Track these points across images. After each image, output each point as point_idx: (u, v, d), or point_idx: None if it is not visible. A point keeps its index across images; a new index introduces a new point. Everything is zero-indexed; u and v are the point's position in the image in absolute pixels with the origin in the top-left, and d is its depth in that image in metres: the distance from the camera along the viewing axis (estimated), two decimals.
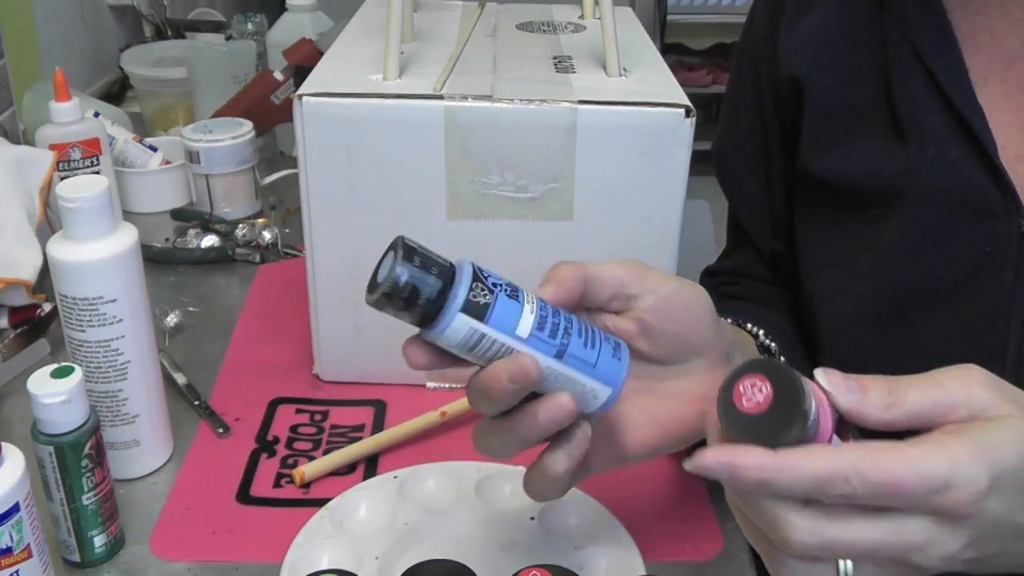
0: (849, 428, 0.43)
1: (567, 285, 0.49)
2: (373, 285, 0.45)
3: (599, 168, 0.70)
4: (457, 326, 0.45)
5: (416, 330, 0.47)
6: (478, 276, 0.46)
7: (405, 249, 0.44)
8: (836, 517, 0.41)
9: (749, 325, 0.64)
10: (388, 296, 0.44)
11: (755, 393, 0.40)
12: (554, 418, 0.47)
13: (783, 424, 0.39)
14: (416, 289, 0.44)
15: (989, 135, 0.58)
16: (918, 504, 0.40)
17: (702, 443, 0.45)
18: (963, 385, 0.42)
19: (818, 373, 0.43)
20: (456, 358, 0.48)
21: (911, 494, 0.39)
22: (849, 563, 0.42)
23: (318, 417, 0.77)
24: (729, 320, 0.60)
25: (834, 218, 0.67)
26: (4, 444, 0.53)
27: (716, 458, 0.40)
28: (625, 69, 0.76)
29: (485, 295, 0.45)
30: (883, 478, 0.39)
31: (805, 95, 0.67)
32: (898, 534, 0.41)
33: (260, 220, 1.09)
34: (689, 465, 0.41)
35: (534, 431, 0.47)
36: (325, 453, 0.72)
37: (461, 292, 0.45)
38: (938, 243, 0.60)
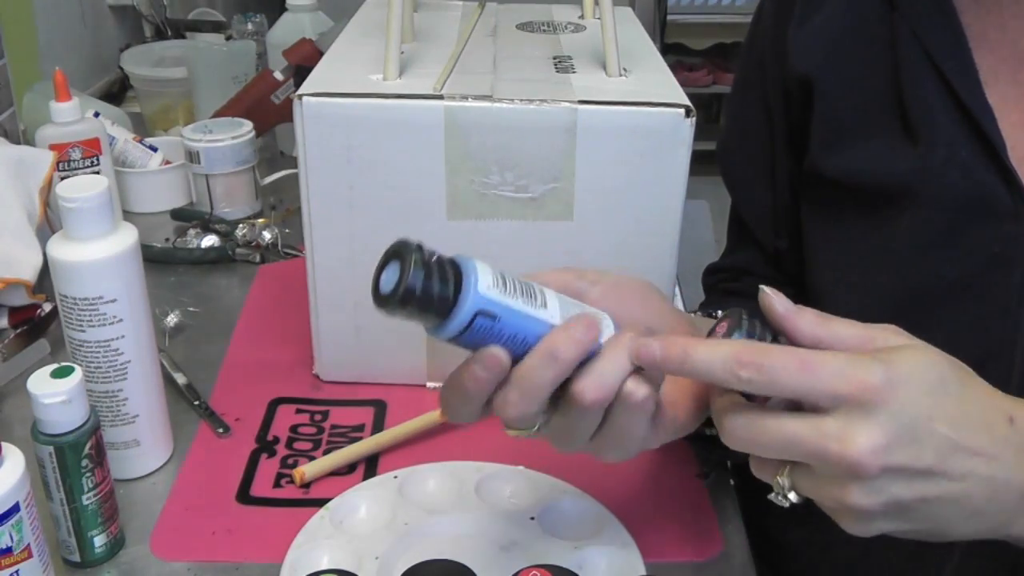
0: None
1: None
2: (386, 292, 0.44)
3: (599, 168, 0.70)
4: (475, 320, 0.45)
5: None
6: (483, 270, 0.45)
7: (415, 253, 0.44)
8: (766, 413, 0.46)
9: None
10: (402, 303, 0.43)
11: (719, 333, 0.49)
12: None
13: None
14: (429, 293, 0.43)
15: (999, 135, 0.58)
16: (824, 392, 0.44)
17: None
18: (885, 331, 0.48)
19: (763, 287, 0.49)
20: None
21: (815, 376, 0.44)
22: (787, 482, 0.47)
23: (318, 417, 0.77)
24: (699, 313, 0.61)
25: (842, 217, 0.67)
26: (4, 444, 0.53)
27: (658, 343, 0.46)
28: (625, 69, 0.76)
29: (495, 289, 0.45)
30: (790, 358, 0.44)
31: (815, 94, 0.67)
32: (815, 424, 0.44)
33: (260, 220, 1.09)
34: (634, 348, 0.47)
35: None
36: (325, 453, 0.72)
37: (472, 289, 0.44)
38: (947, 243, 0.60)
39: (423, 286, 0.43)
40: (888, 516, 0.45)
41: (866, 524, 0.46)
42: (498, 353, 0.46)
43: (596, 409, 0.47)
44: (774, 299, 0.48)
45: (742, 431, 0.46)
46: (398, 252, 0.44)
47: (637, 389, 0.47)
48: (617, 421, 0.48)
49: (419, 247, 0.44)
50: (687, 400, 0.53)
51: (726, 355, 0.45)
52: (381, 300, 0.44)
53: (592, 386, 0.46)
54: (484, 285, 0.45)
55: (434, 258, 0.44)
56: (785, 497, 0.47)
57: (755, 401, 0.47)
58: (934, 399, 0.45)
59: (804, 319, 0.48)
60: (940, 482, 0.44)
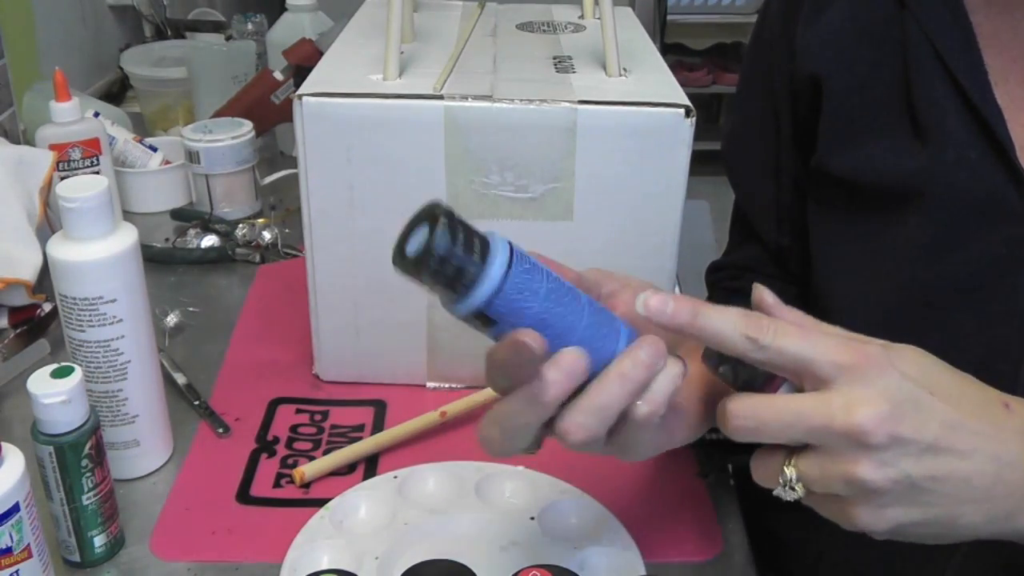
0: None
1: None
2: (414, 251, 0.43)
3: (599, 168, 0.70)
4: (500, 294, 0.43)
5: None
6: (512, 249, 0.45)
7: (447, 217, 0.42)
8: (770, 395, 0.47)
9: None
10: (426, 264, 0.42)
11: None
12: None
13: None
14: (457, 257, 0.42)
15: (1008, 136, 0.58)
16: (826, 360, 0.45)
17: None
18: (870, 339, 0.48)
19: (756, 284, 0.50)
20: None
21: (818, 342, 0.45)
22: (792, 473, 0.47)
23: (318, 417, 0.77)
24: None
25: (850, 217, 0.67)
26: (4, 444, 0.53)
27: (672, 300, 0.47)
28: (625, 69, 0.76)
29: (523, 265, 0.44)
30: (795, 326, 0.46)
31: (824, 93, 0.67)
32: (819, 398, 0.45)
33: (260, 220, 1.09)
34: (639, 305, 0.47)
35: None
36: (325, 453, 0.72)
37: (499, 263, 0.43)
38: (954, 244, 0.60)
39: (451, 250, 0.42)
40: (899, 498, 0.45)
41: (879, 511, 0.45)
42: (575, 354, 0.46)
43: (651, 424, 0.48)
44: (764, 292, 0.50)
45: (748, 411, 0.46)
46: (430, 214, 0.43)
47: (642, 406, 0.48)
48: (626, 432, 0.49)
49: (450, 211, 0.43)
50: (696, 405, 0.53)
51: (735, 317, 0.46)
52: (403, 256, 0.43)
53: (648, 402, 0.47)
54: (514, 259, 0.44)
55: (464, 227, 0.43)
56: (793, 489, 0.47)
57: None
58: (932, 378, 0.46)
59: (793, 314, 0.49)
60: (948, 459, 0.45)
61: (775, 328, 0.46)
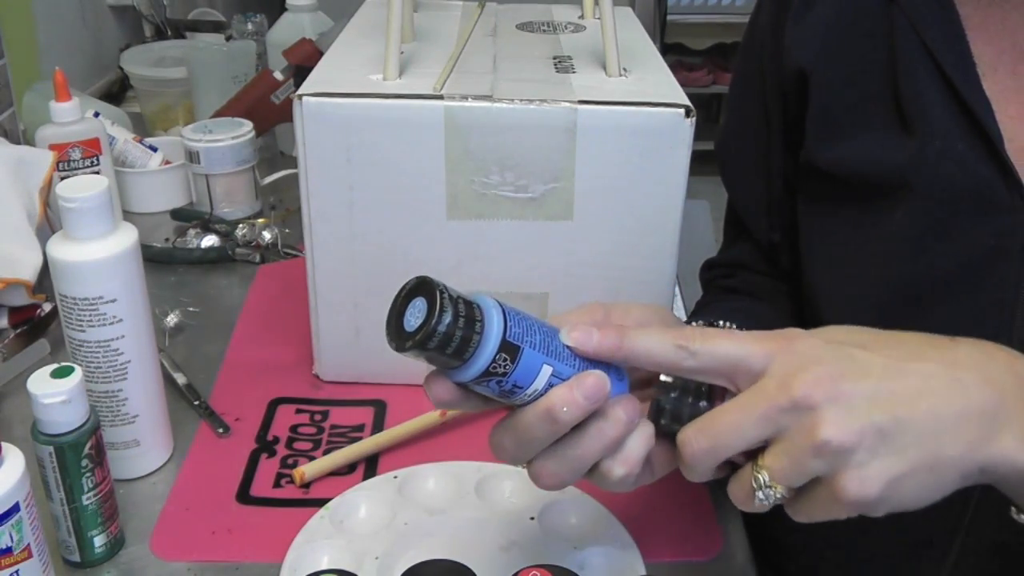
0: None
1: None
2: (406, 333, 0.43)
3: (599, 168, 0.70)
4: (491, 366, 0.45)
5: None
6: (505, 312, 0.45)
7: (439, 295, 0.43)
8: (708, 413, 0.47)
9: (720, 322, 0.64)
10: (423, 345, 0.43)
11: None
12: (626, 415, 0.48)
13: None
14: (451, 335, 0.43)
15: (996, 128, 0.58)
16: (756, 351, 0.46)
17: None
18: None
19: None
20: (478, 396, 0.48)
21: (744, 338, 0.47)
22: (764, 475, 0.45)
23: (318, 417, 0.77)
24: (701, 323, 0.60)
25: (838, 210, 0.67)
26: (4, 444, 0.53)
27: (596, 332, 0.48)
28: (625, 69, 0.76)
29: (517, 332, 0.45)
30: (721, 331, 0.48)
31: (811, 87, 0.67)
32: (755, 390, 0.45)
33: (260, 220, 1.09)
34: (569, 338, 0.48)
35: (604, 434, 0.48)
36: (325, 453, 0.72)
37: (493, 340, 0.44)
38: (943, 236, 0.60)
39: (446, 328, 0.42)
40: (874, 450, 0.43)
41: (861, 473, 0.43)
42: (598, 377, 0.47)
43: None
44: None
45: (696, 432, 0.46)
46: (420, 291, 0.44)
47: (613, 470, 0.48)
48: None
49: (445, 288, 0.44)
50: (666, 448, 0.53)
51: (661, 331, 0.47)
52: (398, 338, 0.44)
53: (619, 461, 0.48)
54: (507, 325, 0.45)
55: (460, 298, 0.44)
56: (771, 488, 0.45)
57: None
58: (862, 336, 0.47)
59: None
60: (904, 394, 0.44)
61: (701, 333, 0.47)
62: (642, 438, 0.48)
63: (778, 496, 0.46)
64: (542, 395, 0.46)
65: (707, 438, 0.46)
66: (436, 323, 0.42)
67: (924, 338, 0.47)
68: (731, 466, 0.48)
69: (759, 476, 0.46)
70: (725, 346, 0.46)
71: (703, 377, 0.48)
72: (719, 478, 0.49)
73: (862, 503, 0.44)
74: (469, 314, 0.43)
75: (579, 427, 0.47)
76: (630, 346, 0.47)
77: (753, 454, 0.46)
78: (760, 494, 0.46)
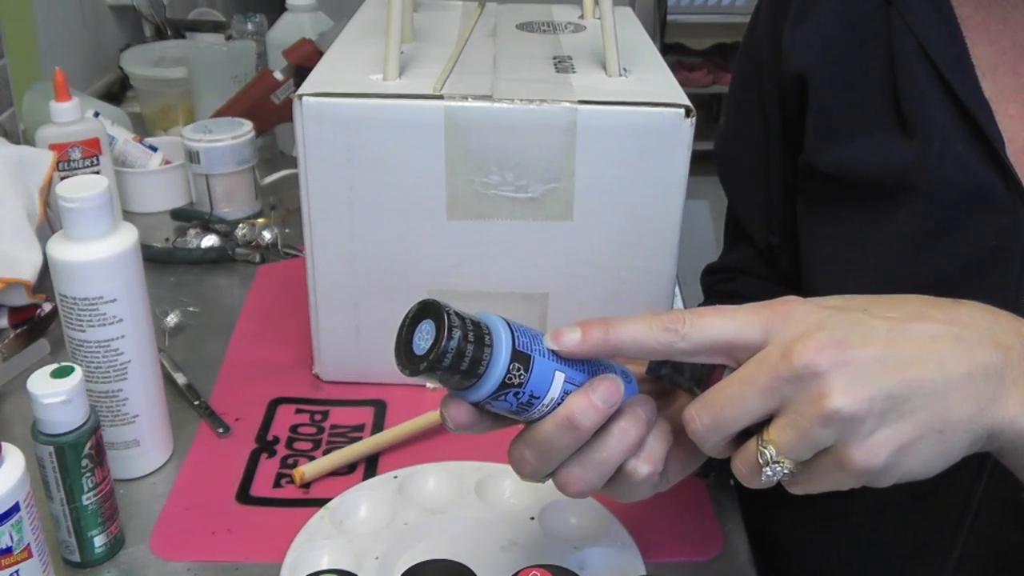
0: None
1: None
2: (417, 356, 0.44)
3: (599, 168, 0.70)
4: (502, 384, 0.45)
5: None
6: (511, 325, 0.45)
7: (446, 316, 0.43)
8: (711, 388, 0.45)
9: None
10: (437, 365, 0.43)
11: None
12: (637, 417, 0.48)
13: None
14: (463, 351, 0.43)
15: (995, 129, 0.58)
16: (752, 323, 0.44)
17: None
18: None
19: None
20: (494, 417, 0.48)
21: (738, 312, 0.45)
22: (770, 449, 0.44)
23: (318, 417, 0.77)
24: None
25: (839, 213, 0.67)
26: (4, 444, 0.53)
27: (577, 330, 0.46)
28: (625, 69, 0.76)
29: (525, 342, 0.45)
30: (711, 309, 0.45)
31: (810, 91, 0.67)
32: (757, 361, 0.44)
33: (260, 220, 1.09)
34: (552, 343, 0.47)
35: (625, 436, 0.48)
36: (325, 453, 0.72)
37: (504, 351, 0.44)
38: (944, 237, 0.60)
39: (456, 348, 0.43)
40: (883, 417, 0.42)
41: (869, 442, 0.42)
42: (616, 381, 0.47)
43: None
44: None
45: (699, 408, 0.45)
46: (427, 313, 0.44)
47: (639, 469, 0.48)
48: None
49: (452, 310, 0.44)
50: (681, 446, 0.52)
51: (647, 318, 0.45)
52: (408, 361, 0.44)
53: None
54: (515, 336, 0.45)
55: (467, 319, 0.44)
56: (778, 463, 0.44)
57: None
58: (862, 301, 0.45)
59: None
60: (911, 356, 0.42)
61: (689, 315, 0.45)
62: (662, 435, 0.48)
63: (786, 472, 0.44)
64: (559, 404, 0.46)
65: (710, 414, 0.44)
66: (447, 341, 0.42)
67: (925, 299, 0.46)
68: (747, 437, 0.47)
69: (765, 451, 0.44)
70: (717, 323, 0.45)
71: (699, 358, 0.46)
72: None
73: (870, 472, 0.42)
74: (477, 330, 0.44)
75: (602, 431, 0.47)
76: (616, 336, 0.45)
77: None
78: (768, 470, 0.44)
